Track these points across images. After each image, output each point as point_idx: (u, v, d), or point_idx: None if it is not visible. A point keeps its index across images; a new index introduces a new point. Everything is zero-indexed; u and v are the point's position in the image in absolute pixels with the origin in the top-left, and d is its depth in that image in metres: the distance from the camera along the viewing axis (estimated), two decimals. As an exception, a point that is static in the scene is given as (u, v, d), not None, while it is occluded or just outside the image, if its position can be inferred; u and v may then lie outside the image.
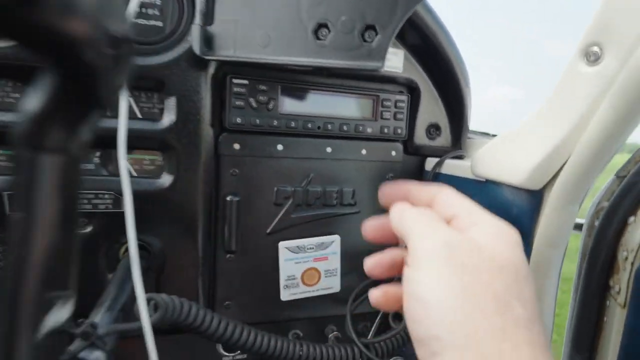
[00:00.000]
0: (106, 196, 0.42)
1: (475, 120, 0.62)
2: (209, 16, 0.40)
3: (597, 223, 0.43)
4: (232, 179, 0.47)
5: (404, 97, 0.52)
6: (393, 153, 0.53)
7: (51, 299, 0.19)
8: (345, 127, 0.49)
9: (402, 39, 0.50)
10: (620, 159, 0.45)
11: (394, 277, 0.30)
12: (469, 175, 0.47)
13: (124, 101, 0.33)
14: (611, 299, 0.42)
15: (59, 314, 0.19)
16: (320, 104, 0.48)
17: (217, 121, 0.45)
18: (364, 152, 0.51)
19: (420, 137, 0.54)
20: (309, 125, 0.47)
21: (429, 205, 0.29)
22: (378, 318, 0.54)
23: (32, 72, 0.16)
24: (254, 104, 0.45)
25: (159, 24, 0.41)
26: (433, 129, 0.55)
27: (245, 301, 0.50)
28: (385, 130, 0.51)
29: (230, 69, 0.44)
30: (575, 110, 0.34)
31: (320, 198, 0.50)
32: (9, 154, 0.40)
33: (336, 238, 0.52)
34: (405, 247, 0.26)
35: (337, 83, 0.49)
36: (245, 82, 0.44)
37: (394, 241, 0.31)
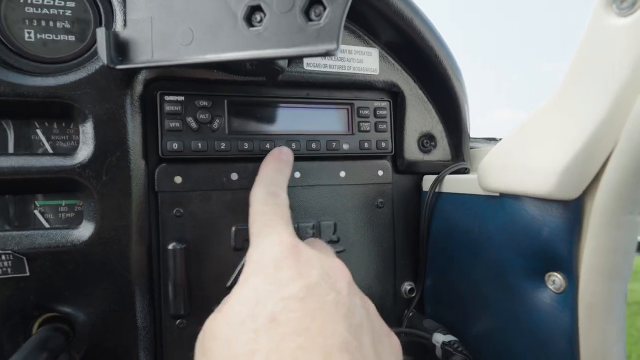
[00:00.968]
0: (2, 257, 0.32)
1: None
2: (122, 18, 0.32)
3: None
4: (175, 221, 0.37)
5: (385, 104, 0.42)
6: (380, 173, 0.43)
7: None
8: (314, 145, 0.39)
9: (375, 35, 0.41)
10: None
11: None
12: (478, 191, 0.37)
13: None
14: None
15: None
16: (281, 119, 0.39)
17: (153, 151, 0.37)
18: (342, 174, 0.41)
19: (412, 151, 0.44)
20: (268, 146, 0.38)
21: None
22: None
23: None
24: (193, 125, 0.36)
25: (71, 38, 0.34)
26: (426, 140, 0.45)
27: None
28: (366, 145, 0.41)
29: (162, 85, 0.36)
30: (612, 82, 0.24)
31: (292, 236, 0.39)
32: None
33: (318, 286, 0.40)
34: None
35: (299, 94, 0.40)
36: (181, 98, 0.36)
37: None
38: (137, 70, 0.34)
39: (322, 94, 0.41)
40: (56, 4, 0.33)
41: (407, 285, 0.45)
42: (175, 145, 0.35)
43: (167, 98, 0.35)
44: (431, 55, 0.41)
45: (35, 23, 0.33)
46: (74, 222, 0.35)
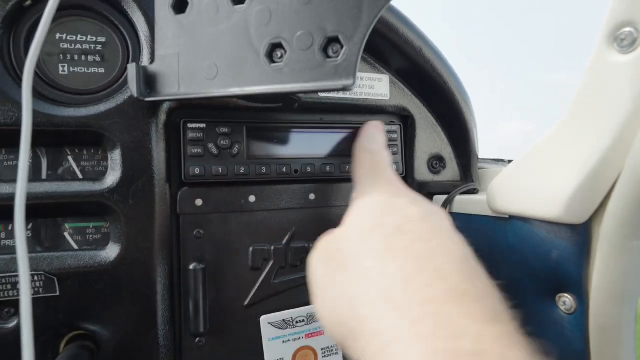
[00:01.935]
0: (35, 277, 0.34)
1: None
2: (149, 52, 0.34)
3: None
4: (195, 242, 0.38)
5: (396, 127, 0.44)
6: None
7: None
8: (328, 168, 0.41)
9: (386, 62, 0.43)
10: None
11: None
12: (488, 212, 0.38)
13: (24, 157, 0.27)
14: None
15: None
16: (297, 144, 0.41)
17: (175, 175, 0.38)
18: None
19: (422, 172, 0.46)
20: (284, 170, 0.40)
21: None
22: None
23: None
24: (214, 150, 0.38)
25: (101, 70, 0.36)
26: (436, 162, 0.46)
27: (223, 398, 0.39)
28: (378, 168, 0.43)
29: (185, 112, 0.38)
30: (616, 115, 0.26)
31: (306, 257, 0.41)
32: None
33: (332, 305, 0.41)
34: None
35: (314, 119, 0.42)
36: (202, 125, 0.38)
37: None
38: (162, 101, 0.36)
39: (336, 118, 0.43)
40: (88, 39, 0.36)
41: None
42: (197, 170, 0.37)
43: (189, 125, 0.37)
44: (440, 81, 0.42)
45: (69, 58, 0.35)
46: (101, 244, 0.37)
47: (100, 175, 0.36)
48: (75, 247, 0.36)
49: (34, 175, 0.35)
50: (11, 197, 0.33)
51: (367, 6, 0.26)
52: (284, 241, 0.41)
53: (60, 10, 0.32)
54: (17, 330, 0.34)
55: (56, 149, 0.36)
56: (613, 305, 0.28)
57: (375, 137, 0.35)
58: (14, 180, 0.34)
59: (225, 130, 0.38)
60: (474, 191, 0.45)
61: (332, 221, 0.42)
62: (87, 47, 0.36)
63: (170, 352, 0.38)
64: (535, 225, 0.32)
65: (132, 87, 0.32)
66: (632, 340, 0.29)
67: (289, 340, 0.40)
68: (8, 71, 0.33)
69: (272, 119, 0.41)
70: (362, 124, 0.43)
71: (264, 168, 0.39)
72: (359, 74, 0.43)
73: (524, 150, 0.33)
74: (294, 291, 0.41)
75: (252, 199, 0.39)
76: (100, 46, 0.36)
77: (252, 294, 0.40)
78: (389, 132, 0.44)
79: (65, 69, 0.35)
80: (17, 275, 0.33)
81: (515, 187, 0.33)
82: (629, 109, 0.24)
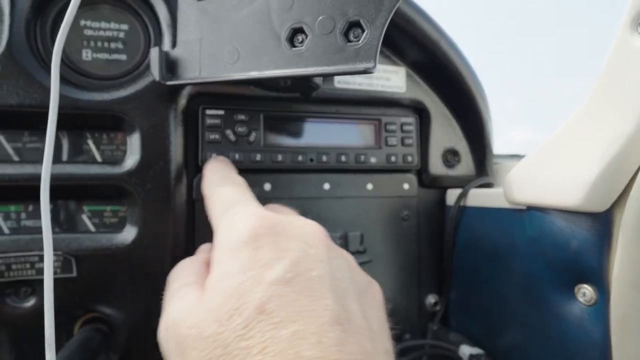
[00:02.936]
0: (53, 258, 0.34)
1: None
2: (170, 39, 0.35)
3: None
4: (209, 229, 0.38)
5: (411, 119, 0.44)
6: (406, 186, 0.44)
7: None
8: (343, 158, 0.41)
9: (402, 55, 0.44)
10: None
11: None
12: (504, 205, 0.38)
13: (50, 138, 0.27)
14: None
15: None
16: (312, 133, 0.41)
17: (192, 162, 0.39)
18: (369, 186, 0.43)
19: (437, 166, 0.46)
20: (300, 158, 0.40)
21: None
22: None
23: None
24: (231, 137, 0.38)
25: (123, 57, 0.37)
26: (450, 155, 0.46)
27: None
28: (393, 159, 0.43)
29: (204, 99, 0.39)
30: (638, 99, 0.26)
31: (320, 246, 0.41)
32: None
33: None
34: None
35: (329, 110, 0.42)
36: (221, 112, 0.38)
37: None
38: (181, 86, 0.37)
39: (351, 109, 0.43)
40: (111, 26, 0.37)
41: (431, 298, 0.46)
42: (214, 156, 0.38)
43: (208, 112, 0.38)
44: (456, 75, 0.42)
45: (92, 44, 0.36)
46: (117, 227, 0.37)
47: (119, 159, 0.37)
48: (93, 229, 0.37)
49: (55, 157, 0.36)
50: (33, 178, 0.33)
51: (389, -11, 0.27)
52: (298, 230, 0.41)
53: (87, -4, 0.33)
54: (34, 309, 0.34)
55: (77, 132, 0.37)
56: (636, 294, 0.27)
57: (221, 171, 0.33)
58: (36, 161, 0.35)
59: (242, 117, 0.39)
60: (489, 185, 0.44)
61: (346, 212, 0.42)
62: (110, 34, 0.37)
63: (182, 337, 0.38)
64: (554, 215, 0.32)
65: (155, 71, 0.33)
66: (654, 334, 0.29)
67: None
68: (34, 55, 0.34)
69: (289, 109, 0.41)
70: (377, 115, 0.43)
71: (279, 156, 0.39)
72: (375, 66, 0.43)
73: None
74: (306, 281, 0.40)
75: (267, 186, 0.40)
76: (122, 33, 0.37)
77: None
78: (404, 124, 0.44)
79: (89, 54, 0.36)
80: (35, 255, 0.34)
81: (534, 178, 0.33)
82: (654, 93, 0.24)
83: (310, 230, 0.25)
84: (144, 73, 0.36)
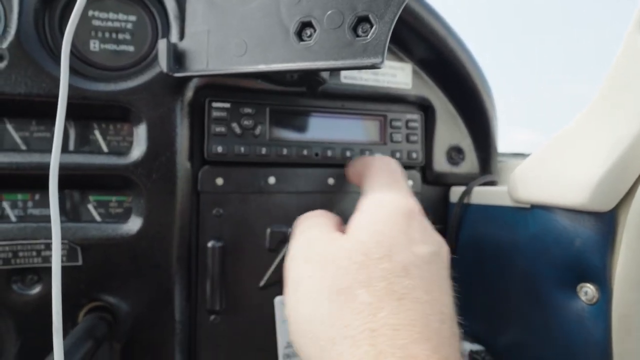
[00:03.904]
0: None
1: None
2: (178, 30, 0.35)
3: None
4: (215, 220, 0.39)
5: (416, 116, 0.44)
6: (409, 183, 0.44)
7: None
8: (348, 153, 0.41)
9: (409, 51, 0.44)
10: None
11: None
12: (508, 203, 0.38)
13: (59, 128, 0.27)
14: None
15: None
16: (318, 128, 0.41)
17: (197, 154, 0.39)
18: (373, 182, 0.43)
19: (441, 163, 0.46)
20: (305, 153, 0.40)
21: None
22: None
23: None
24: (237, 130, 0.38)
25: (130, 48, 0.37)
26: (455, 153, 0.46)
27: (235, 377, 0.39)
28: (398, 156, 0.43)
29: (210, 92, 0.39)
30: (647, 99, 0.25)
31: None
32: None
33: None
34: None
35: (335, 105, 0.42)
36: (227, 105, 0.38)
37: None
38: (188, 79, 0.37)
39: (357, 105, 0.43)
40: (119, 17, 0.37)
41: (432, 295, 0.46)
42: (219, 149, 0.38)
43: (214, 105, 0.38)
44: (462, 72, 0.42)
45: (100, 35, 0.36)
46: (122, 218, 0.37)
47: (125, 150, 0.37)
48: (99, 219, 0.37)
49: (62, 146, 0.36)
50: (40, 167, 0.34)
51: (398, -15, 0.27)
52: (301, 224, 0.41)
53: (96, -15, 0.33)
54: (40, 297, 0.34)
55: (84, 122, 0.37)
56: (637, 295, 0.28)
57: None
58: (43, 150, 0.35)
59: (249, 111, 0.39)
60: (492, 183, 0.44)
61: (350, 207, 0.42)
62: (118, 25, 0.37)
63: (185, 327, 0.38)
64: (558, 214, 0.32)
65: (162, 63, 0.33)
66: (655, 334, 0.29)
67: (303, 324, 0.40)
68: (43, 45, 0.34)
69: (295, 103, 0.41)
70: (383, 111, 0.43)
71: (284, 150, 0.39)
72: (381, 62, 0.43)
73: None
74: (309, 274, 0.41)
75: (271, 180, 0.40)
76: (130, 24, 0.37)
77: (267, 275, 0.40)
78: (409, 120, 0.44)
79: (96, 45, 0.36)
80: (42, 243, 0.34)
81: (538, 176, 0.33)
82: (662, 93, 0.24)
83: (443, 242, 0.28)
84: (151, 64, 0.36)
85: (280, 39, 0.30)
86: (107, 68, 0.36)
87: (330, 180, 0.41)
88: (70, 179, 0.35)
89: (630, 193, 0.27)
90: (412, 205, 0.27)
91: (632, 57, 0.26)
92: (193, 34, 0.33)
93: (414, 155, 0.44)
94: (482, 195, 0.42)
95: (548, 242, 0.33)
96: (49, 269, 0.34)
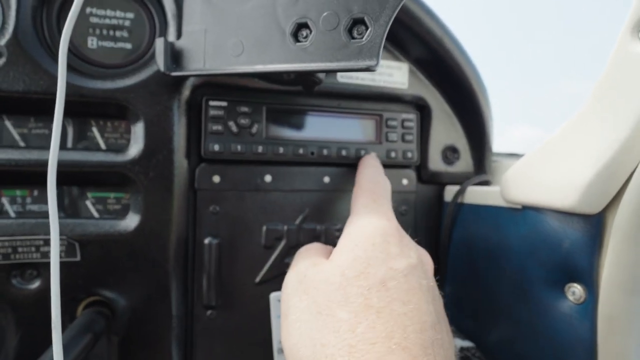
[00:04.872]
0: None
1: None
2: (175, 29, 0.35)
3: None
4: (211, 218, 0.39)
5: (412, 116, 0.44)
6: (405, 181, 0.45)
7: None
8: (344, 152, 0.42)
9: (405, 51, 0.44)
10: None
11: None
12: (501, 203, 0.38)
13: (57, 125, 0.28)
14: None
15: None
16: (314, 127, 0.42)
17: (194, 152, 0.39)
18: (369, 181, 0.43)
19: (436, 162, 0.46)
20: (301, 151, 0.40)
21: None
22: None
23: None
24: (234, 128, 0.39)
25: (128, 46, 0.37)
26: (450, 152, 0.47)
27: (230, 371, 0.40)
28: (393, 155, 0.43)
29: (207, 91, 0.39)
30: (636, 105, 0.26)
31: (318, 238, 0.42)
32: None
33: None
34: None
35: (331, 104, 0.43)
36: (224, 104, 0.39)
37: None
38: (186, 77, 0.37)
39: (353, 104, 0.43)
40: (117, 15, 0.37)
41: (426, 292, 0.46)
42: (216, 147, 0.38)
43: (211, 103, 0.38)
44: (459, 72, 0.43)
45: (97, 32, 0.36)
46: (120, 215, 0.38)
47: (123, 147, 0.37)
48: (97, 215, 0.37)
49: (60, 143, 0.36)
50: (39, 164, 0.34)
51: (393, -12, 0.27)
52: (297, 222, 0.41)
53: (93, -17, 0.33)
54: (38, 291, 0.35)
55: (82, 119, 0.37)
56: (623, 296, 0.28)
57: (379, 168, 0.37)
58: (41, 147, 0.35)
59: (245, 109, 0.39)
60: (486, 183, 0.45)
61: (344, 206, 0.43)
62: (116, 22, 0.37)
63: (182, 322, 0.39)
64: (548, 215, 0.33)
65: (159, 61, 0.33)
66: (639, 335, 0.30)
67: (297, 319, 0.41)
68: (41, 42, 0.34)
69: (291, 102, 0.41)
70: (379, 111, 0.44)
71: (281, 148, 0.40)
72: (378, 61, 0.43)
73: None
74: (304, 271, 0.41)
75: (268, 178, 0.40)
76: (128, 22, 0.37)
77: (263, 271, 0.41)
78: (405, 120, 0.44)
79: (94, 42, 0.36)
80: (41, 239, 0.35)
81: (530, 178, 0.34)
82: (651, 99, 0.25)
83: (424, 253, 0.30)
84: (149, 62, 0.37)
85: (276, 40, 0.30)
86: (105, 65, 0.37)
87: (326, 179, 0.42)
88: (69, 175, 0.36)
89: (617, 197, 0.27)
90: (389, 226, 0.29)
91: (623, 62, 0.26)
92: (190, 33, 0.33)
93: (409, 154, 0.44)
94: (475, 194, 0.43)
95: (538, 243, 0.34)
96: (48, 264, 0.35)
